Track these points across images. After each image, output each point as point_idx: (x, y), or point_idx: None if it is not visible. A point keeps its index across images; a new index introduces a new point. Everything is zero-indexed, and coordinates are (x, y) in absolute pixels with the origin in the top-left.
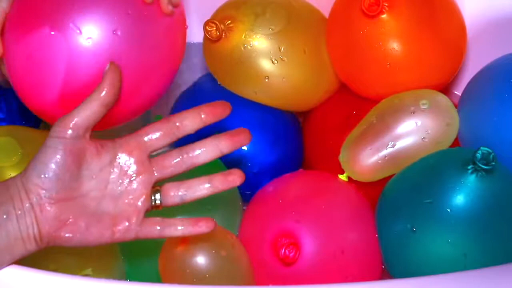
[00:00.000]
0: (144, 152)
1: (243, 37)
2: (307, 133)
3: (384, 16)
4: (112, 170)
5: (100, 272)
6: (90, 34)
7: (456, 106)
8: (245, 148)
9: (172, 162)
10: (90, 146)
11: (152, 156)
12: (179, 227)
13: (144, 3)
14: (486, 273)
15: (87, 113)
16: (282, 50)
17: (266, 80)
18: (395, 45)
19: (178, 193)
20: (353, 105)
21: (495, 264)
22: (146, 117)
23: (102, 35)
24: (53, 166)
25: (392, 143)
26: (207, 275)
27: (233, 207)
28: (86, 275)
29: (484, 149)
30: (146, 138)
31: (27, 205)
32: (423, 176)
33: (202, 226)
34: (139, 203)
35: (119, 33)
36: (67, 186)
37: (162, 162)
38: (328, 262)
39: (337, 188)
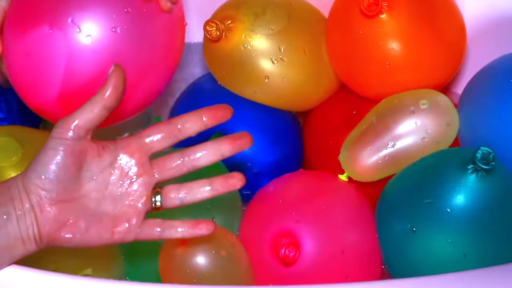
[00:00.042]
0: (145, 154)
1: (243, 37)
2: (307, 133)
3: (383, 16)
4: (112, 172)
5: (100, 272)
6: (89, 31)
7: (456, 106)
8: None
9: (173, 165)
10: (91, 148)
11: (153, 157)
12: (179, 229)
13: (143, 0)
14: (486, 273)
15: (89, 115)
16: (282, 50)
17: (266, 80)
18: (394, 45)
19: (178, 195)
20: (353, 105)
21: (495, 264)
22: (146, 118)
23: (101, 32)
24: (53, 167)
25: (392, 143)
26: (207, 275)
27: (233, 207)
28: (86, 275)
29: (484, 149)
30: (147, 140)
31: (27, 205)
32: (423, 176)
33: (202, 229)
34: (140, 205)
35: (118, 30)
36: (68, 187)
37: (163, 164)
38: (328, 262)
39: (337, 188)
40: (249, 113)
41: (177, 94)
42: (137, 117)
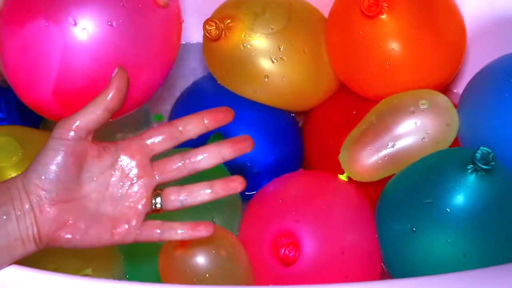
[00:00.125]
0: (146, 155)
1: (242, 36)
2: (307, 133)
3: (383, 16)
4: (113, 173)
5: (100, 272)
6: (85, 25)
7: (456, 106)
8: None
9: (174, 167)
10: (92, 149)
11: (154, 159)
12: (178, 231)
13: None
14: (486, 273)
15: (91, 116)
16: (281, 50)
17: (266, 80)
18: (394, 46)
19: (178, 198)
20: (353, 105)
21: (495, 264)
22: (146, 117)
23: (97, 26)
24: (54, 167)
25: (392, 143)
26: (207, 275)
27: (233, 207)
28: (86, 275)
29: (484, 149)
30: (148, 142)
31: (27, 206)
32: (423, 176)
33: (202, 231)
34: (140, 206)
35: (114, 24)
36: (68, 188)
37: (164, 166)
38: (328, 262)
39: (337, 188)
40: (249, 113)
41: (177, 94)
42: (137, 117)
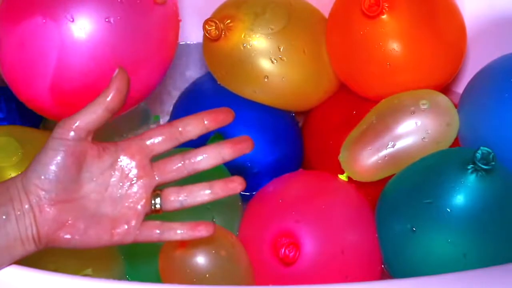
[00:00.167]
0: (145, 156)
1: (242, 36)
2: (307, 133)
3: (384, 16)
4: (113, 173)
5: (100, 272)
6: (82, 22)
7: (456, 105)
8: None
9: (174, 167)
10: (92, 149)
11: (154, 160)
12: (178, 231)
13: None
14: (486, 273)
15: (91, 116)
16: (281, 50)
17: (266, 80)
18: (395, 46)
19: (178, 198)
20: (353, 105)
21: (495, 264)
22: (146, 117)
23: (95, 23)
24: (53, 167)
25: (392, 143)
26: (207, 275)
27: (233, 207)
28: (86, 275)
29: (484, 149)
30: (148, 142)
31: (26, 206)
32: (423, 176)
33: (202, 231)
34: (139, 207)
35: (111, 21)
36: (67, 188)
37: (164, 166)
38: (328, 262)
39: (337, 188)
40: (249, 113)
41: (177, 94)
42: (136, 117)
